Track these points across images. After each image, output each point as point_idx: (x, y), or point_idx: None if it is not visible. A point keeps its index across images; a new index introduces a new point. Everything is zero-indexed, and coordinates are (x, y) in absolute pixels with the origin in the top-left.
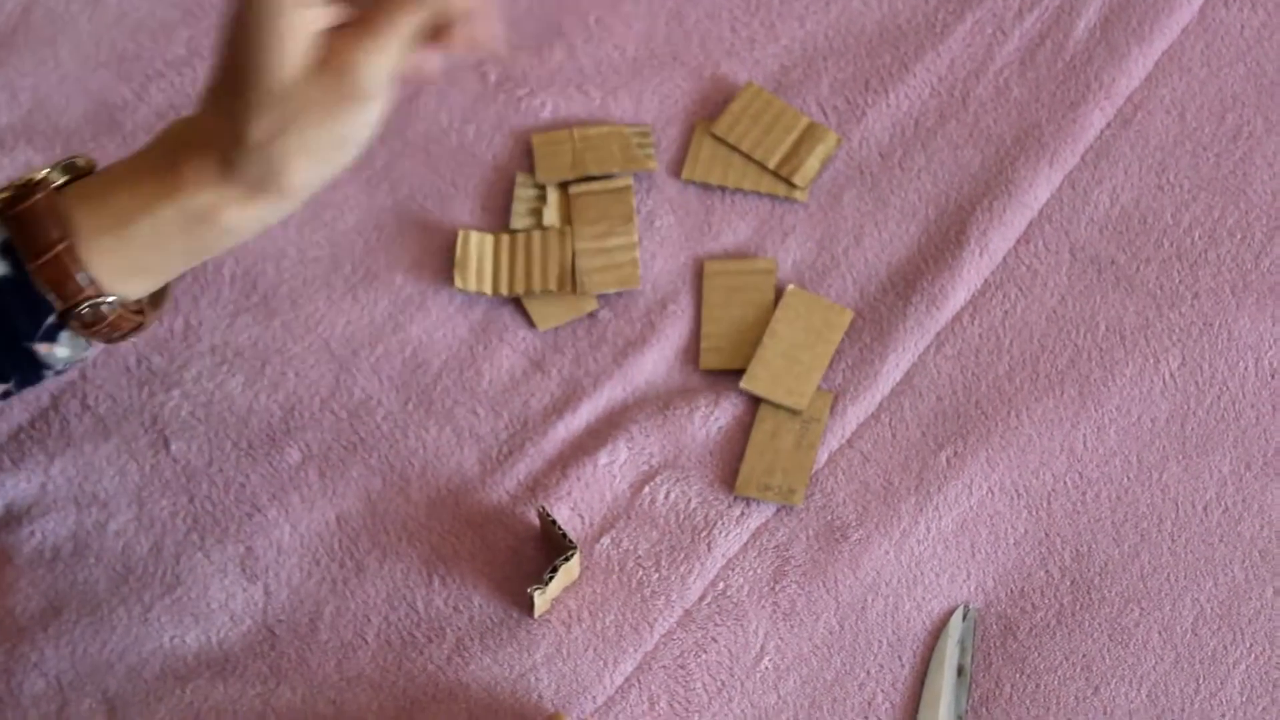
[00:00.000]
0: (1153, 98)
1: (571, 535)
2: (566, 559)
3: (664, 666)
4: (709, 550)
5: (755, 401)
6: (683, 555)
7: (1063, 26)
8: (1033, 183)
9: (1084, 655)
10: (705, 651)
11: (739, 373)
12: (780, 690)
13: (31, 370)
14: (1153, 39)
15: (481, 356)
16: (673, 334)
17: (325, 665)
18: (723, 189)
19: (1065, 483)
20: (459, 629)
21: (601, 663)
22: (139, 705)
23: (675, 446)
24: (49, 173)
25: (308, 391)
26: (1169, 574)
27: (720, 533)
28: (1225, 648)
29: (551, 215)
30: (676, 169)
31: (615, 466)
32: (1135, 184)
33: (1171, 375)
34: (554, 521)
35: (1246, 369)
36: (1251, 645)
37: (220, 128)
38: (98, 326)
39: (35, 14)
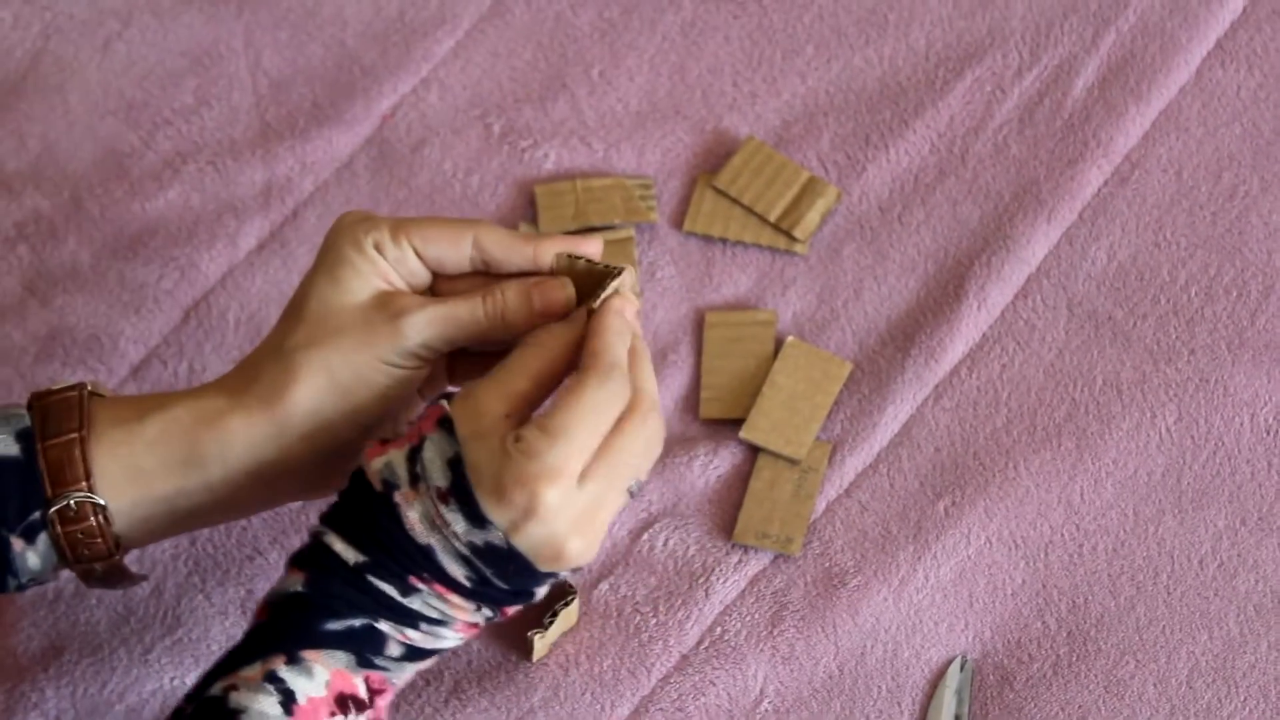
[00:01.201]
0: (1150, 156)
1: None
2: (566, 604)
3: (661, 710)
4: (707, 596)
5: (754, 451)
6: (680, 601)
7: (1061, 85)
8: (1031, 239)
9: (1080, 706)
10: (704, 694)
11: (738, 422)
12: None
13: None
14: (1150, 99)
15: None
16: (673, 383)
17: None
18: (724, 241)
19: (1062, 534)
20: (456, 672)
21: (599, 706)
22: None
23: (674, 494)
24: (82, 383)
25: None
26: (1164, 627)
27: (718, 579)
28: (1220, 701)
29: None
30: (678, 221)
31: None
32: (1132, 241)
33: (1168, 430)
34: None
35: (1242, 425)
36: (1246, 699)
37: (266, 345)
38: (73, 529)
39: (45, 61)
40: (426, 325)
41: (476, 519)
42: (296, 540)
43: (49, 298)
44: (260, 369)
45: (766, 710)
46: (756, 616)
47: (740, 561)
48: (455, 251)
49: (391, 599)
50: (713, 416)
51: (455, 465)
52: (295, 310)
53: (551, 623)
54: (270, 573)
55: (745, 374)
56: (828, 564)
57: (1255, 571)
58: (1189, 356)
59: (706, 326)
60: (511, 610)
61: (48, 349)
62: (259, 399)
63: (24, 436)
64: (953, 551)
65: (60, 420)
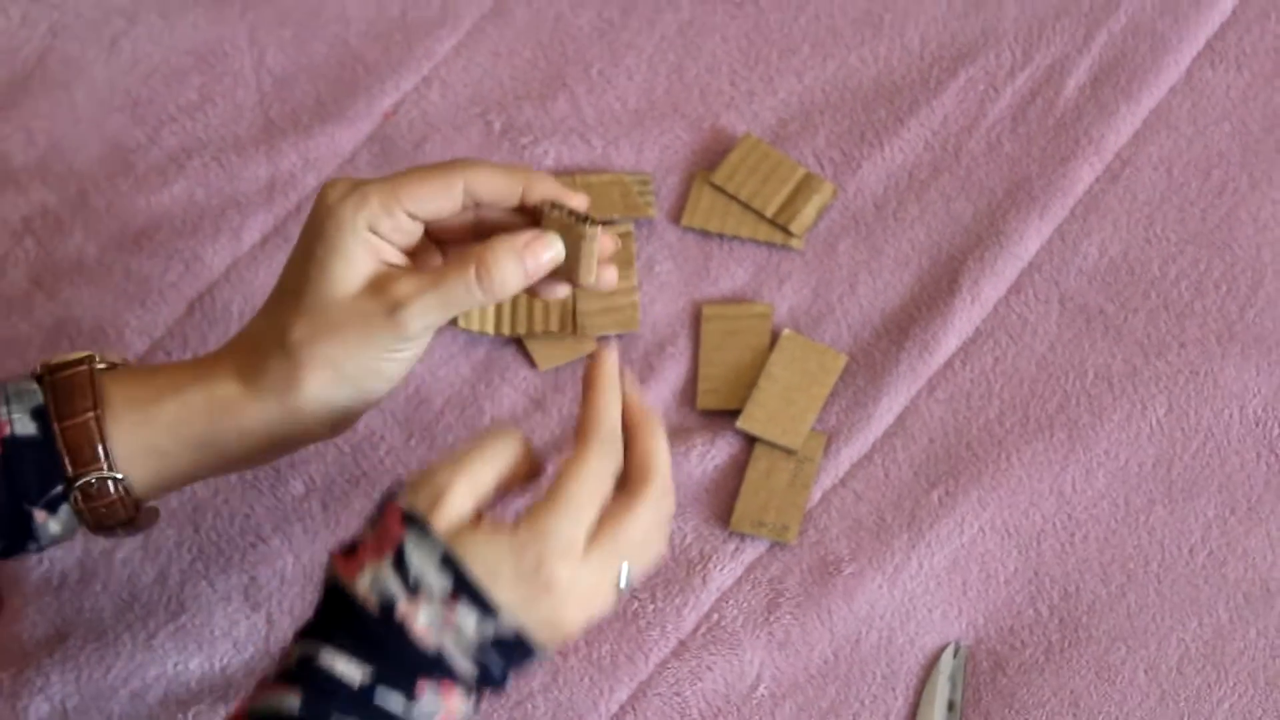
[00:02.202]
0: (1141, 154)
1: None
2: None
3: (659, 694)
4: (704, 583)
5: (751, 441)
6: (678, 588)
7: (1054, 85)
8: (1023, 234)
9: (1071, 692)
10: (700, 680)
11: (735, 413)
12: (777, 716)
13: (20, 538)
14: (1141, 98)
15: (483, 395)
16: (671, 375)
17: None
18: (721, 236)
19: (1054, 523)
20: None
21: (597, 691)
22: None
23: (672, 483)
24: (91, 355)
25: None
26: (1155, 614)
27: (715, 566)
28: (1209, 686)
29: None
30: (676, 216)
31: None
32: (1123, 236)
33: (1158, 421)
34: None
35: (1231, 416)
36: (1235, 684)
37: (267, 327)
38: (96, 504)
39: (51, 59)
40: (424, 311)
41: (488, 611)
42: (299, 529)
43: (55, 290)
44: (267, 361)
45: (763, 695)
46: (753, 603)
47: (737, 549)
48: (448, 201)
49: (395, 714)
50: (710, 407)
51: (449, 564)
52: (292, 298)
53: None
54: (272, 559)
55: (742, 366)
56: (823, 552)
57: (1244, 560)
58: (1179, 350)
59: (704, 319)
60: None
61: (54, 340)
62: (270, 390)
63: (39, 414)
64: (946, 540)
65: (73, 398)
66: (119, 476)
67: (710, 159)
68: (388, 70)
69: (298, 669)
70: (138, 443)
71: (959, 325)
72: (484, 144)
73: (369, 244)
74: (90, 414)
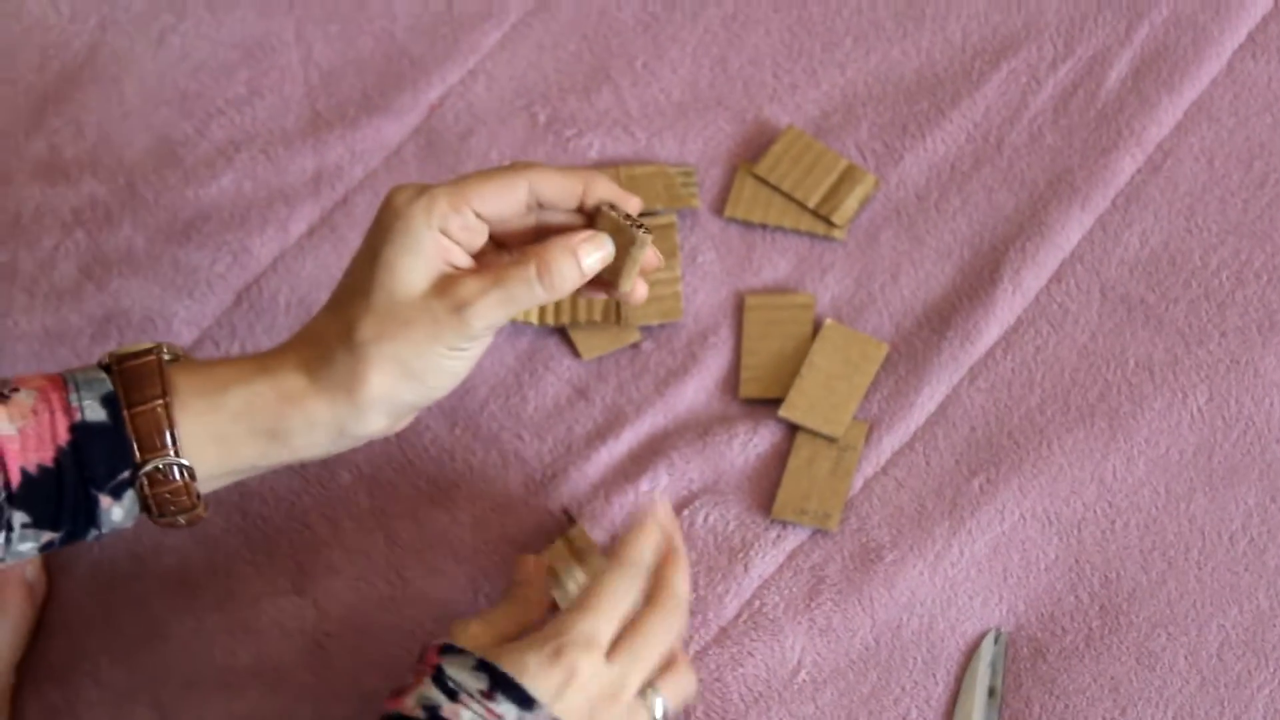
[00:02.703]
0: (1182, 145)
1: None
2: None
3: (701, 680)
4: (745, 571)
5: (792, 430)
6: (720, 575)
7: (1095, 76)
8: (1065, 225)
9: (1112, 678)
10: (742, 665)
11: (777, 402)
12: (818, 701)
13: (84, 524)
14: (1182, 89)
15: (527, 384)
16: (713, 364)
17: (373, 679)
18: (764, 227)
19: (1095, 511)
20: None
21: None
22: (191, 715)
23: (714, 472)
24: (159, 345)
25: None
26: (1195, 601)
27: (757, 554)
28: (1250, 672)
29: None
30: (719, 207)
31: (656, 491)
32: (1165, 227)
33: (1199, 410)
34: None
35: (1272, 405)
36: (1275, 670)
37: (332, 324)
38: (161, 490)
39: (101, 54)
40: (488, 310)
41: (525, 702)
42: (344, 516)
43: (105, 281)
44: (333, 356)
45: (804, 681)
46: (794, 590)
47: (779, 537)
48: (513, 201)
49: None
50: (752, 396)
51: (485, 667)
52: (359, 296)
53: None
54: (319, 548)
55: (784, 355)
56: (864, 539)
57: None
58: (1220, 339)
59: (746, 309)
60: None
61: (104, 330)
62: (337, 385)
63: (109, 401)
64: (987, 527)
65: (142, 386)
66: (185, 463)
67: (753, 151)
68: (433, 63)
69: None
70: (205, 431)
71: (1000, 315)
72: (529, 137)
73: (438, 245)
74: (159, 401)
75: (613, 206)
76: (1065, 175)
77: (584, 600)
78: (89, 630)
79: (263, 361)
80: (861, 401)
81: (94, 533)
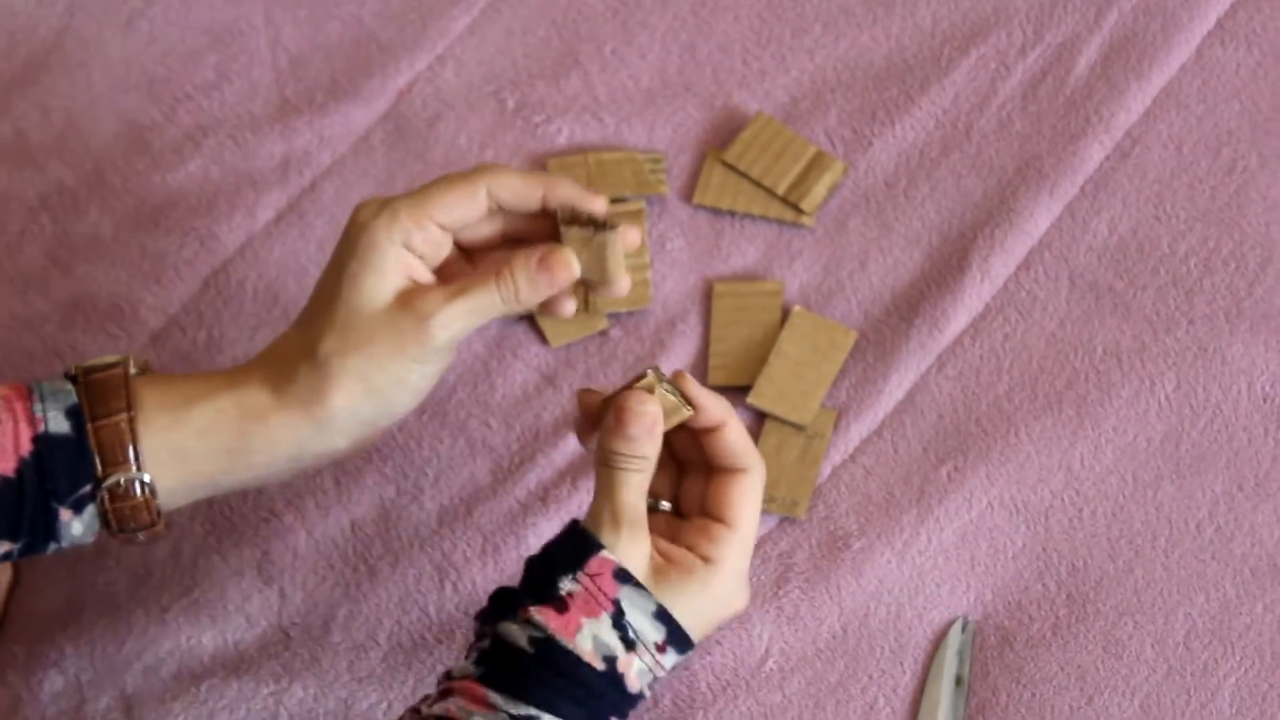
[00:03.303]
0: (1150, 132)
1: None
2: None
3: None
4: None
5: (761, 417)
6: None
7: (1064, 63)
8: (1033, 212)
9: (1079, 666)
10: (710, 654)
11: (746, 389)
12: (785, 690)
13: (43, 537)
14: (1151, 76)
15: (495, 371)
16: (682, 352)
17: (337, 665)
18: (732, 214)
19: (1062, 499)
20: (468, 631)
21: None
22: (155, 703)
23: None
24: (125, 358)
25: None
26: (1162, 589)
27: None
28: (1216, 661)
29: None
30: (688, 194)
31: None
32: (1133, 214)
33: (1167, 398)
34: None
35: (1239, 393)
36: (1242, 659)
37: (296, 340)
38: (121, 504)
39: (69, 38)
40: (451, 321)
41: (687, 647)
42: (312, 504)
43: (71, 267)
44: (296, 371)
45: (771, 669)
46: (762, 578)
47: None
48: (473, 207)
49: None
50: (721, 383)
51: (662, 617)
52: (324, 312)
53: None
54: (285, 535)
55: (753, 342)
56: (832, 527)
57: (1251, 535)
58: (1188, 326)
59: (715, 296)
60: None
61: (70, 317)
62: (299, 401)
63: (73, 413)
64: (955, 515)
65: (107, 399)
66: (146, 479)
67: (722, 137)
68: (402, 49)
69: None
70: (167, 446)
71: (969, 302)
72: (497, 122)
73: (401, 260)
74: (123, 415)
75: (574, 216)
76: (1034, 162)
77: (738, 524)
78: (53, 619)
79: (229, 377)
80: (830, 389)
81: (53, 546)
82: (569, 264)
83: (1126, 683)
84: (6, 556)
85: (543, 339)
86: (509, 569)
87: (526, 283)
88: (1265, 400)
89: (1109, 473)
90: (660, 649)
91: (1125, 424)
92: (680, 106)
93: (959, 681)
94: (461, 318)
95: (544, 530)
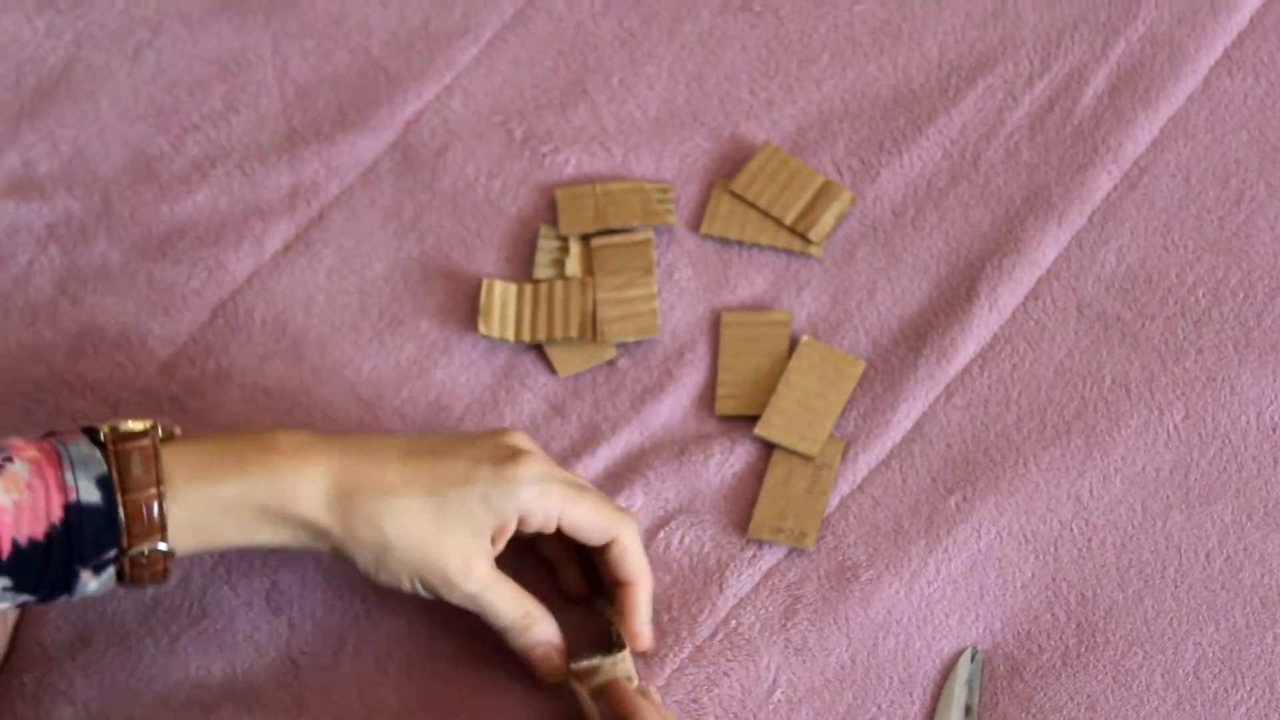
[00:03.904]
0: (1158, 162)
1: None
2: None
3: (676, 701)
4: (721, 590)
5: (769, 448)
6: (695, 596)
7: (1072, 93)
8: (1041, 242)
9: (1088, 696)
10: (717, 685)
11: (753, 419)
12: None
13: (60, 590)
14: (1159, 106)
15: (503, 400)
16: (689, 382)
17: (348, 696)
18: (740, 244)
19: (1071, 529)
20: (479, 660)
21: None
22: None
23: (690, 491)
24: (154, 424)
25: (335, 432)
26: (1172, 619)
27: (732, 574)
28: (1226, 691)
29: (574, 266)
30: (696, 224)
31: (632, 510)
32: (1141, 244)
33: (1176, 428)
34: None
35: (1249, 423)
36: (1252, 689)
37: (372, 465)
38: (140, 570)
39: (76, 68)
40: (493, 600)
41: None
42: None
43: (79, 297)
44: (353, 496)
45: (779, 700)
46: (770, 609)
47: (755, 556)
48: (589, 538)
49: None
50: (728, 413)
51: None
52: (426, 484)
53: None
54: (293, 564)
55: (760, 372)
56: (841, 557)
57: (1261, 565)
58: (1196, 356)
59: (723, 326)
60: None
61: (78, 346)
62: (336, 522)
63: (104, 484)
64: (964, 545)
65: (138, 472)
66: (169, 549)
67: (730, 167)
68: (410, 79)
69: None
70: (189, 520)
71: (977, 332)
72: (505, 153)
73: (505, 523)
74: (153, 489)
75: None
76: (1042, 192)
77: None
78: (61, 649)
79: (268, 457)
80: (838, 419)
81: (64, 598)
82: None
83: (1136, 713)
84: (22, 605)
85: (551, 369)
86: None
87: (539, 643)
88: (1274, 430)
89: (1118, 502)
90: None
91: (1134, 454)
92: (688, 136)
93: (968, 712)
94: (496, 604)
95: (546, 556)
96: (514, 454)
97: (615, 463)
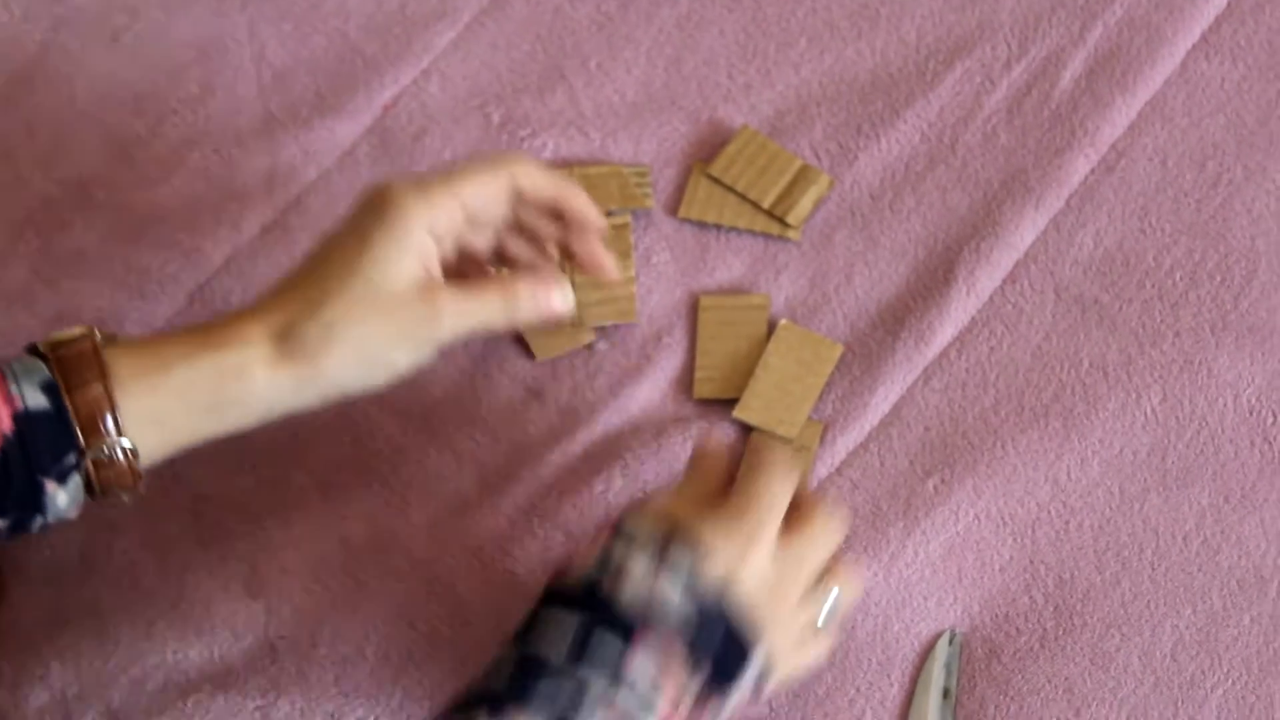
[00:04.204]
0: (1136, 145)
1: None
2: None
3: None
4: None
5: (747, 430)
6: None
7: (1049, 77)
8: (1019, 225)
9: (1066, 678)
10: None
11: (731, 402)
12: (772, 702)
13: (29, 511)
14: (1136, 89)
15: (481, 385)
16: (667, 365)
17: (324, 679)
18: (718, 227)
19: (1049, 511)
20: (456, 645)
21: None
22: (141, 717)
23: (669, 473)
24: (90, 329)
25: (312, 417)
26: (1149, 601)
27: None
28: (1203, 673)
29: (551, 250)
30: (673, 208)
31: (610, 494)
32: (1118, 227)
33: (1153, 410)
34: None
35: (1225, 405)
36: (1228, 671)
37: (297, 298)
38: (106, 472)
39: (53, 53)
40: (460, 319)
41: (693, 579)
42: (298, 518)
43: (56, 282)
44: (296, 330)
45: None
46: None
47: None
48: (499, 196)
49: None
50: (706, 396)
51: (667, 519)
52: (336, 276)
53: None
54: (272, 549)
55: (738, 356)
56: None
57: (1238, 547)
58: (1173, 339)
59: (701, 309)
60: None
61: (54, 331)
62: (289, 357)
63: (48, 388)
64: (941, 528)
65: (80, 371)
66: (128, 444)
67: (708, 151)
68: (387, 63)
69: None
70: (145, 411)
71: (955, 315)
72: (483, 137)
73: (425, 244)
74: (99, 385)
75: None
76: (1019, 175)
77: (751, 491)
78: (37, 633)
79: (208, 336)
80: (816, 402)
81: (39, 520)
82: (565, 301)
83: (1114, 694)
84: None
85: (528, 353)
86: (496, 581)
87: (528, 307)
88: (1251, 413)
89: (1095, 485)
90: (662, 549)
91: (1111, 436)
92: (665, 120)
93: (946, 694)
94: (469, 318)
95: (530, 544)
96: (384, 202)
97: (594, 446)
